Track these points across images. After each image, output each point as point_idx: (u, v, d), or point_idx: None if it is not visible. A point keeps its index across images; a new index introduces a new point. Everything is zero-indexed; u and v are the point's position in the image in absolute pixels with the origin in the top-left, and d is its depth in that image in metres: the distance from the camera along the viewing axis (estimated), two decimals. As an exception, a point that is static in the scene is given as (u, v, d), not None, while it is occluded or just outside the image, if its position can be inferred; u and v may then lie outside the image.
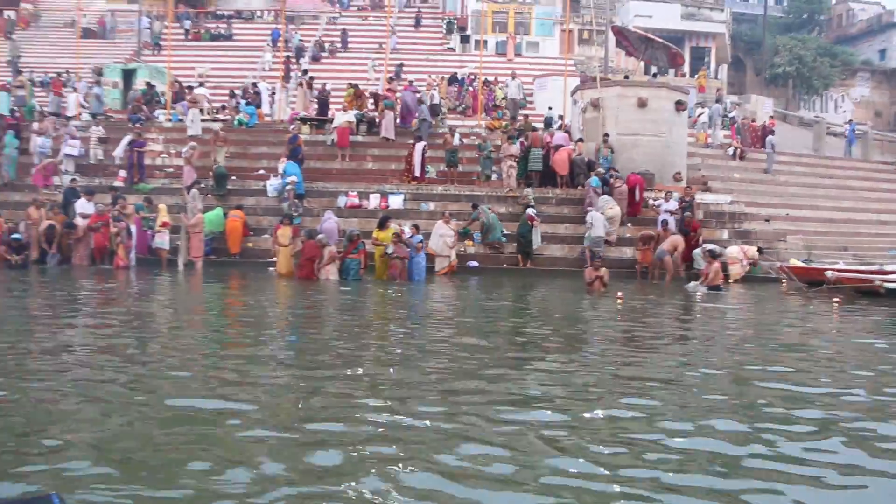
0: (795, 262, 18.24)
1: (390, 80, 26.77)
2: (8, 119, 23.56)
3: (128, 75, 29.70)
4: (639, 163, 21.42)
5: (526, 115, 26.97)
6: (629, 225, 19.90)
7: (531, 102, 30.89)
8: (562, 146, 21.89)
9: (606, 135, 21.69)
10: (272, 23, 39.83)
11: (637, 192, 20.15)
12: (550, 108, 27.40)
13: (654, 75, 29.49)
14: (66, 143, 21.53)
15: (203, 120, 24.34)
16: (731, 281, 18.10)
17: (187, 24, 40.81)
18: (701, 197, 21.14)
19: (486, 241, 19.21)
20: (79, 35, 33.59)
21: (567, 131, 23.45)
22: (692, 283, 16.51)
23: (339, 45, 38.23)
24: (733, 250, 18.82)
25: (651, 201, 20.40)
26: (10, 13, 43.70)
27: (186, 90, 27.35)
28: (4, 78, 29.00)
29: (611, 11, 39.69)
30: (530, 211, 19.04)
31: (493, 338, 9.29)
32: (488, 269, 18.51)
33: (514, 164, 21.08)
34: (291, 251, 16.54)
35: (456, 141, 21.59)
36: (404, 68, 33.28)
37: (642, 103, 21.82)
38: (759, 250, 19.05)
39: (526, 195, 19.88)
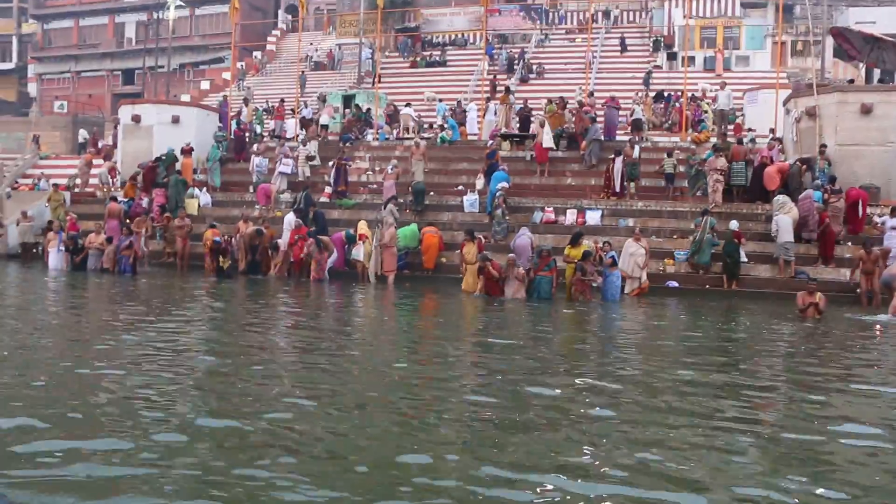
0: None
1: (590, 94, 24.71)
2: (236, 131, 24.26)
3: (347, 101, 29.63)
4: (861, 176, 18.24)
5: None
6: (849, 244, 16.74)
7: (741, 116, 27.72)
8: (773, 159, 19.04)
9: (824, 146, 18.63)
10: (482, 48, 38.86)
11: (860, 208, 16.96)
12: (752, 130, 24.34)
13: (881, 81, 25.44)
14: (280, 161, 21.41)
15: (408, 138, 23.79)
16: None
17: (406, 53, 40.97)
18: (936, 213, 17.55)
19: (692, 262, 16.77)
20: (300, 69, 34.10)
21: (779, 143, 20.43)
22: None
23: (538, 67, 36.45)
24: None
25: (875, 218, 17.14)
26: (257, 53, 45.68)
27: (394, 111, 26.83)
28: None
29: (828, 20, 35.22)
30: (734, 225, 16.43)
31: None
32: (689, 291, 15.91)
33: (721, 178, 18.44)
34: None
35: (635, 154, 19.41)
36: (608, 87, 31.04)
37: (867, 110, 18.52)
38: None
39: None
